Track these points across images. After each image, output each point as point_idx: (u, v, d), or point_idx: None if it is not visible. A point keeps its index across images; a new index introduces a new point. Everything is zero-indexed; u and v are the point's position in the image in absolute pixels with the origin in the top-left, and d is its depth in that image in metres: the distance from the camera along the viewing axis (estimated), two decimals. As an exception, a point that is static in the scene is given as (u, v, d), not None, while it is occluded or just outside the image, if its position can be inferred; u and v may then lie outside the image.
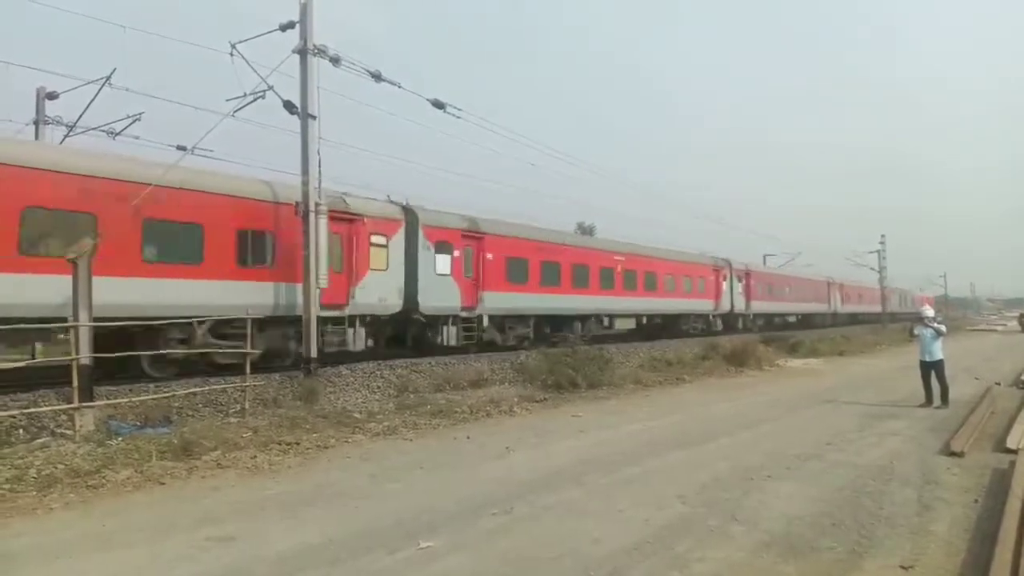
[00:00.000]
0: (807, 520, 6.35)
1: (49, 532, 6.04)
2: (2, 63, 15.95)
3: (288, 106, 15.03)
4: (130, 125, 19.51)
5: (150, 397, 10.57)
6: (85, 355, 9.68)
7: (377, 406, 12.34)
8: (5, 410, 9.48)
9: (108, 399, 10.10)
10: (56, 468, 7.65)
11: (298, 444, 9.31)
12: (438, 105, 18.18)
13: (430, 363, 16.81)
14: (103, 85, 18.26)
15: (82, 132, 19.70)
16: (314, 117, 14.92)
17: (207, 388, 11.34)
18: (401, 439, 10.20)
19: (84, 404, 9.36)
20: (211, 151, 17.80)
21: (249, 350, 11.58)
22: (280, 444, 9.19)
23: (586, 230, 41.66)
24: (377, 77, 16.40)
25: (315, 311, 14.57)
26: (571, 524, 6.25)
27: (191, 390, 11.15)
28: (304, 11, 14.84)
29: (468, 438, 10.32)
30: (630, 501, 6.93)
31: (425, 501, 6.98)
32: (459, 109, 18.65)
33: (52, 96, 20.17)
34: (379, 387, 14.18)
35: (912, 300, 71.67)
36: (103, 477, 7.54)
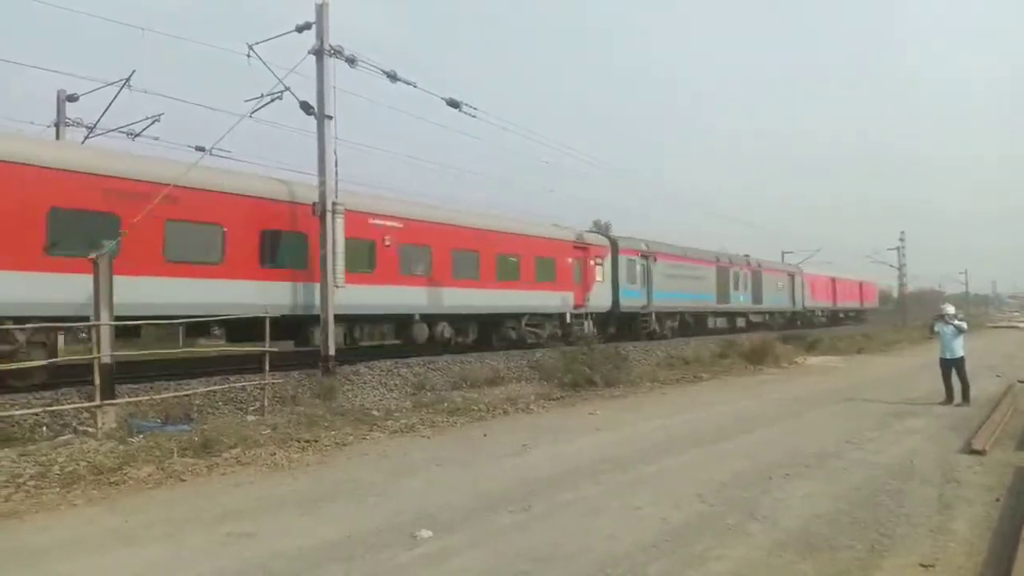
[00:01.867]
0: (826, 518, 6.32)
1: (73, 527, 6.13)
2: (19, 65, 16.20)
3: (305, 107, 15.14)
4: (149, 126, 19.77)
5: (171, 395, 10.70)
6: (106, 354, 9.81)
7: (394, 404, 12.40)
8: (29, 408, 9.63)
9: (129, 397, 10.22)
10: (79, 465, 7.75)
11: (316, 441, 9.37)
12: (453, 104, 18.21)
13: (447, 361, 16.88)
14: (122, 87, 18.50)
15: (102, 134, 19.97)
16: (330, 117, 15.01)
17: (226, 386, 11.44)
18: (419, 436, 10.25)
19: (106, 402, 9.49)
20: (229, 151, 18.02)
21: (267, 348, 11.68)
22: (299, 441, 9.26)
23: (602, 228, 41.64)
24: (392, 77, 16.46)
25: (332, 310, 14.65)
26: (588, 521, 6.26)
27: (211, 388, 11.26)
28: (320, 12, 14.92)
29: (485, 435, 10.35)
30: (647, 499, 6.93)
31: (444, 498, 7.01)
32: (474, 108, 18.70)
33: (72, 98, 20.41)
34: (396, 385, 14.25)
35: (803, 286, 45.94)
36: (125, 474, 7.62)
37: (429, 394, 13.44)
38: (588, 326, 24.62)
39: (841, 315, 55.54)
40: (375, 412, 11.44)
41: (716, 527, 6.09)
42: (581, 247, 25.38)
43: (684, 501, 6.85)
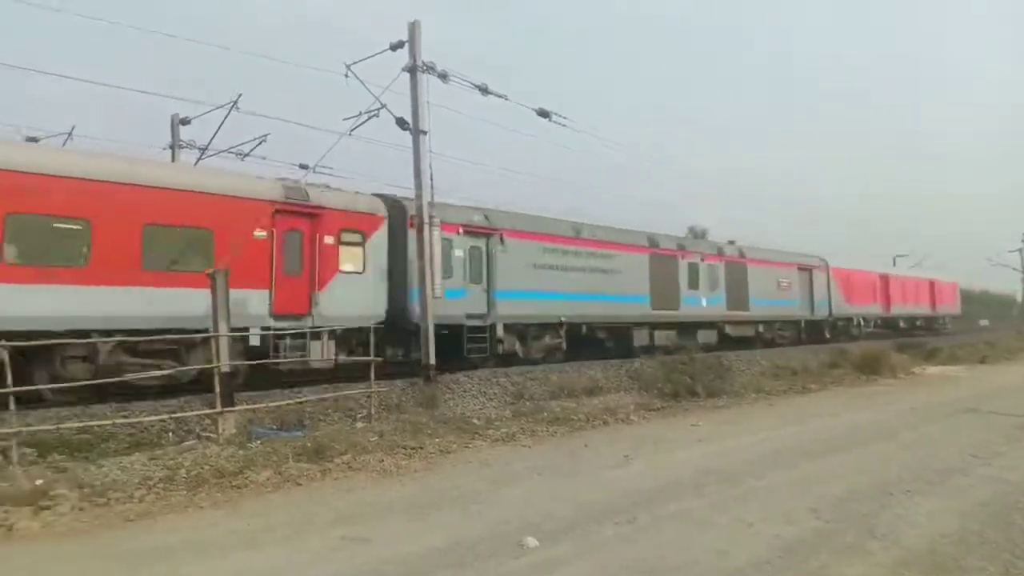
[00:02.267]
0: (952, 538, 5.95)
1: (199, 529, 6.50)
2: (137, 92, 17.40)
3: (400, 123, 15.67)
4: (257, 146, 20.81)
5: (285, 402, 11.20)
6: (225, 363, 10.41)
7: (494, 413, 12.55)
8: (156, 414, 10.30)
9: (248, 404, 10.78)
10: (203, 469, 8.21)
11: (421, 449, 9.61)
12: (543, 114, 18.38)
13: (543, 370, 16.92)
14: (231, 109, 19.58)
15: (213, 154, 21.16)
16: (425, 132, 15.44)
17: (336, 394, 11.89)
18: (520, 445, 10.33)
19: (226, 409, 10.04)
20: (331, 168, 18.74)
21: (373, 357, 12.08)
22: (405, 449, 9.52)
23: (698, 234, 40.44)
24: (483, 90, 16.81)
25: (432, 320, 15.01)
26: (696, 536, 6.13)
27: (322, 396, 11.72)
28: (412, 30, 15.44)
29: (586, 446, 10.31)
30: (758, 513, 6.72)
31: (546, 507, 7.03)
32: (564, 117, 18.78)
33: (185, 121, 21.73)
34: (495, 394, 14.43)
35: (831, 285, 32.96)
36: (245, 478, 8.03)
37: (528, 403, 13.51)
38: (322, 348, 14.65)
39: (901, 324, 40.33)
40: (476, 421, 11.61)
41: (833, 544, 5.85)
42: (297, 210, 14.62)
43: (797, 516, 6.61)
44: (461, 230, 17.88)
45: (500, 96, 17.20)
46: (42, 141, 13.07)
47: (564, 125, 18.98)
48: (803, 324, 31.11)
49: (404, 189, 16.64)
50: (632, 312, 22.31)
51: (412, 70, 15.43)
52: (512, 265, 18.79)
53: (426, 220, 15.26)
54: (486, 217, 18.71)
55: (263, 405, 10.94)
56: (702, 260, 25.80)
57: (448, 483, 8.15)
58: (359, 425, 11.01)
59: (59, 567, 5.62)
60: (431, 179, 15.49)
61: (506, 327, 18.22)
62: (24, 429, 8.56)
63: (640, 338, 22.62)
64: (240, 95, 19.40)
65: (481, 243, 18.39)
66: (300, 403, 11.33)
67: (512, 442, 10.51)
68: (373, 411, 11.58)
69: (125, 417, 9.85)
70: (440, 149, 16.23)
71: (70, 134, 18.90)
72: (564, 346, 20.33)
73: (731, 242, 29.05)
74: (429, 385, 13.92)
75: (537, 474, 8.55)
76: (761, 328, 28.31)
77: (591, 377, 16.38)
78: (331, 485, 8.03)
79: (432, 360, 14.58)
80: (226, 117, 19.76)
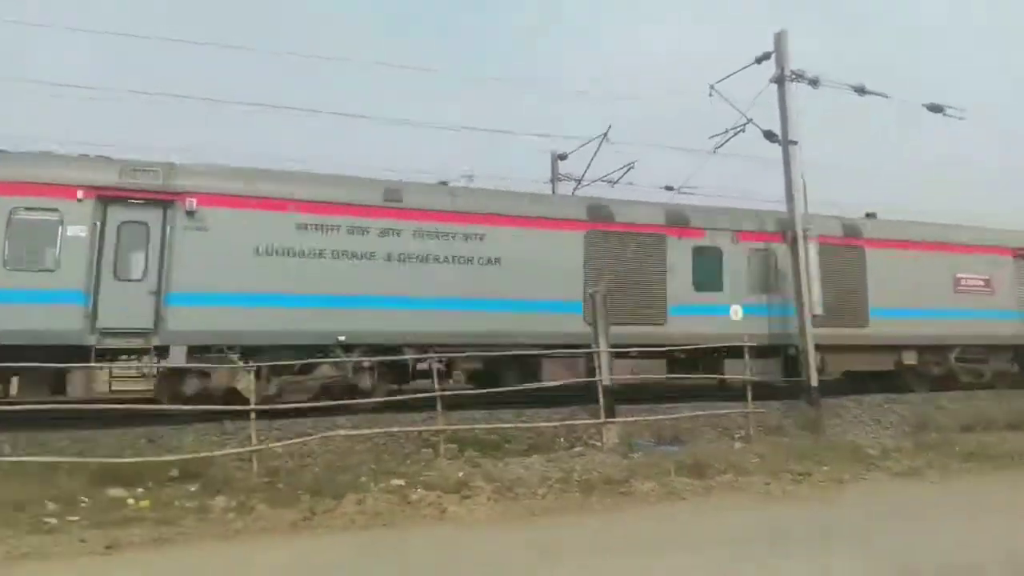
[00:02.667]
0: None
1: (597, 530, 6.92)
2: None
3: (768, 135, 15.12)
4: (625, 174, 21.78)
5: (663, 417, 11.42)
6: (607, 377, 11.00)
7: (891, 443, 11.23)
8: (549, 422, 11.23)
9: (628, 417, 11.21)
10: (592, 474, 8.72)
11: (810, 475, 9.03)
12: (935, 109, 16.26)
13: (950, 399, 14.65)
14: (601, 142, 20.81)
15: (587, 184, 22.64)
16: (795, 143, 14.68)
17: (710, 412, 11.73)
18: (927, 481, 9.15)
19: (608, 420, 10.60)
20: (695, 188, 18.79)
21: (749, 377, 11.67)
22: (791, 473, 9.04)
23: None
24: (860, 91, 15.51)
25: (811, 337, 14.04)
26: None
27: (697, 413, 11.65)
28: (779, 40, 14.86)
29: (1014, 487, 8.69)
30: None
31: (967, 555, 6.09)
32: (961, 110, 16.30)
33: (562, 157, 23.67)
34: (891, 423, 12.89)
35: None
36: (630, 487, 8.33)
37: (933, 435, 11.79)
38: None
39: None
40: (871, 451, 10.51)
41: None
42: None
43: None
44: (81, 193, 10.93)
45: (879, 95, 15.70)
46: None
47: (961, 118, 16.51)
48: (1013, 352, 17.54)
49: (774, 203, 15.93)
50: (535, 328, 12.87)
51: (780, 80, 14.84)
52: (217, 250, 11.47)
53: (800, 233, 14.44)
54: (163, 175, 11.46)
55: (641, 418, 11.26)
56: (734, 241, 15.47)
57: (844, 514, 7.56)
58: (737, 445, 10.72)
59: (488, 550, 6.38)
60: (804, 189, 14.66)
61: (196, 350, 11.23)
62: (448, 428, 10.01)
63: (569, 371, 12.90)
64: (610, 127, 20.55)
65: (147, 215, 11.31)
66: (675, 419, 11.42)
67: (917, 476, 9.36)
68: (751, 431, 11.19)
69: (524, 422, 10.93)
70: (811, 157, 15.24)
71: (471, 177, 21.95)
72: (371, 382, 11.88)
73: (871, 213, 17.73)
74: (813, 408, 13.01)
75: (952, 515, 7.48)
76: (911, 357, 16.29)
77: (1015, 409, 13.71)
78: (715, 503, 7.94)
79: (815, 382, 13.59)
80: (597, 150, 21.07)
